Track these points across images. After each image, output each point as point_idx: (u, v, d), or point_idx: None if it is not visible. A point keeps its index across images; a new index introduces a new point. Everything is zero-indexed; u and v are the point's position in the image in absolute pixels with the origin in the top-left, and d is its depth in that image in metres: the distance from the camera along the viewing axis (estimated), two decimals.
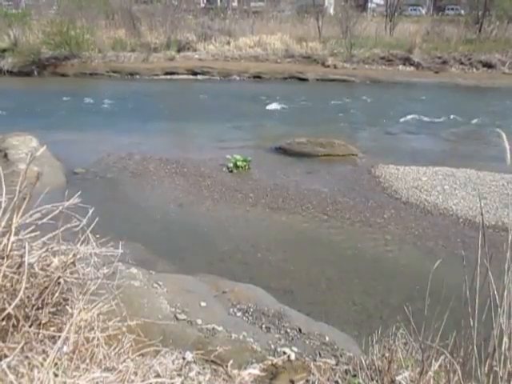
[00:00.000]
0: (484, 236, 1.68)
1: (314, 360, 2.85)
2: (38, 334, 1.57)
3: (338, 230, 6.15)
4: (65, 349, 1.52)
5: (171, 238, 5.87)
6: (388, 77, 20.42)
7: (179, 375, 2.07)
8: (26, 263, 1.56)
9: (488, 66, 21.51)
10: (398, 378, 1.94)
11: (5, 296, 1.52)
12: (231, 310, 3.77)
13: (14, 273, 1.57)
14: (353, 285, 4.82)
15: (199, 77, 21.61)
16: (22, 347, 1.48)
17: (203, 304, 3.65)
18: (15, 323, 1.53)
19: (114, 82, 19.99)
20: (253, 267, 5.15)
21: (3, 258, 1.57)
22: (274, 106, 14.99)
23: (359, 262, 5.34)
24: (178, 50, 23.41)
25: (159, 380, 1.69)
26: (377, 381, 2.06)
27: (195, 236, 5.92)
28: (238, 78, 21.55)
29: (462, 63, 21.79)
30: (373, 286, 4.82)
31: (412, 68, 21.92)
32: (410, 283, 4.81)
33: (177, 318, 3.28)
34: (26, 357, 1.45)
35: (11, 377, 1.32)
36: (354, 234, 6.05)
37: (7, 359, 1.39)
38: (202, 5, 32.77)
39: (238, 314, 3.73)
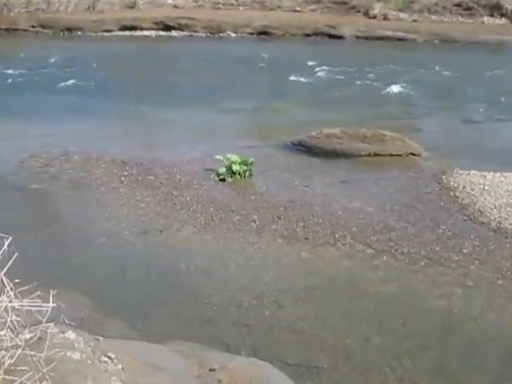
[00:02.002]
0: None
1: None
2: None
3: (390, 273, 6.12)
4: None
5: (130, 284, 5.85)
6: (467, 34, 20.53)
7: None
8: None
9: None
10: None
11: None
12: None
13: None
14: (416, 358, 4.74)
15: (174, 33, 21.84)
16: None
17: None
18: None
19: (43, 43, 20.17)
20: (257, 331, 5.12)
21: None
22: (289, 78, 15.02)
23: (424, 321, 5.31)
24: None
25: None
26: None
27: (167, 281, 5.90)
28: (234, 36, 21.71)
29: None
30: (447, 360, 4.74)
31: (503, 20, 22.06)
32: (505, 355, 4.76)
33: None
34: None
35: None
36: (416, 279, 6.01)
37: None
38: None
39: None
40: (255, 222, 7.17)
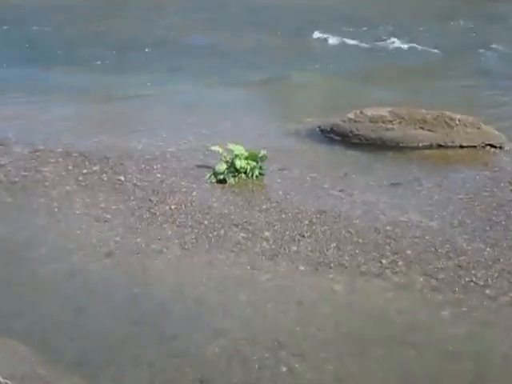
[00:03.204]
0: None
1: None
2: None
3: (459, 314, 5.78)
4: None
5: (89, 329, 5.56)
6: None
7: None
8: None
9: None
10: None
11: None
12: None
13: None
14: None
15: None
16: None
17: None
18: None
19: None
20: None
21: None
22: (314, 37, 15.16)
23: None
24: None
25: None
26: None
27: (143, 324, 5.61)
28: None
29: None
30: None
31: None
32: None
33: None
34: None
35: None
36: (496, 322, 5.69)
37: None
38: None
39: None
40: (268, 241, 7.03)
